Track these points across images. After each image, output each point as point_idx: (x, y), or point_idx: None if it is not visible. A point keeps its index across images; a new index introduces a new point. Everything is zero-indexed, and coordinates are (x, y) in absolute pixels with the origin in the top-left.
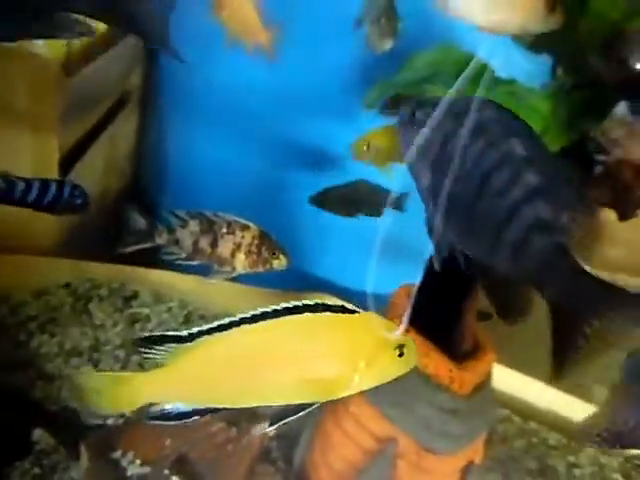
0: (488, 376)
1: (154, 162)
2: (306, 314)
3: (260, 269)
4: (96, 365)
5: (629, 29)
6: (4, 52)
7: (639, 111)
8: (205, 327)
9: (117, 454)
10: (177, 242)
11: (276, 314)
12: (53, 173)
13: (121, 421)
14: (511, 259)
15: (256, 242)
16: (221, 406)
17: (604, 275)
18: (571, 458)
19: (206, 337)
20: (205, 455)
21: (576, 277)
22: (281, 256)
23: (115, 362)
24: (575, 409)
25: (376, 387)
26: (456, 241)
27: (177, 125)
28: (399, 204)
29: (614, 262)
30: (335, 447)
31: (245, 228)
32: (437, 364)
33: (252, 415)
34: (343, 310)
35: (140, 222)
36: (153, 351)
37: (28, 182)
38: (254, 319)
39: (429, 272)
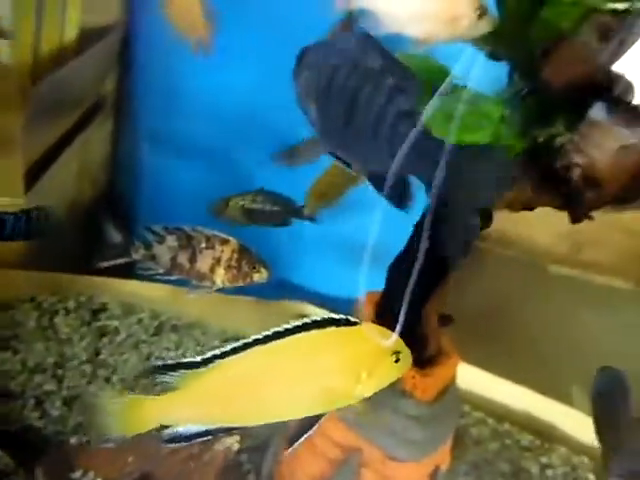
0: (452, 381)
1: (128, 169)
2: (314, 331)
3: (240, 283)
4: (60, 382)
5: (569, 37)
6: None
7: (615, 112)
8: (219, 351)
9: (77, 474)
10: (154, 258)
11: (287, 333)
12: (18, 187)
13: (84, 438)
14: (388, 152)
15: (236, 256)
16: (234, 425)
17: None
18: (544, 459)
19: (219, 361)
20: (168, 472)
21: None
22: (262, 269)
23: (81, 377)
24: (548, 410)
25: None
26: (343, 155)
27: (151, 132)
28: (304, 214)
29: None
30: (301, 458)
31: (224, 242)
32: None
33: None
34: (347, 322)
35: (116, 237)
36: (166, 377)
37: None
38: (266, 340)
39: (390, 279)
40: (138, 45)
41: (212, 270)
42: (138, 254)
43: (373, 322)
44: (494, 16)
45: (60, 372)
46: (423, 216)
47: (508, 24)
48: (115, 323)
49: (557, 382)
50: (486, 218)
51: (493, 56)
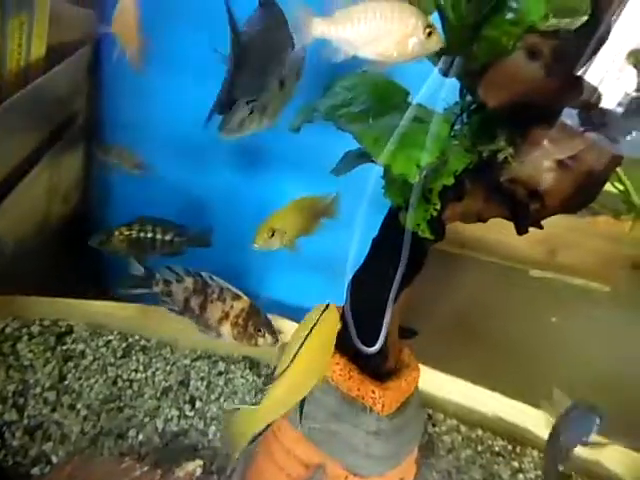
0: (413, 393)
1: (99, 187)
2: None
3: (245, 343)
4: (21, 411)
5: (501, 58)
6: None
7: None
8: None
9: None
10: (170, 294)
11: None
12: None
13: (46, 469)
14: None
15: (244, 315)
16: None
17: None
18: (515, 464)
19: None
20: None
21: None
22: (267, 335)
23: (44, 405)
24: (522, 414)
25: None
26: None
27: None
28: (202, 240)
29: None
30: (265, 476)
31: (236, 298)
32: (360, 386)
33: (178, 454)
34: None
35: (139, 269)
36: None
37: None
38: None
39: (350, 292)
40: (106, 61)
41: (219, 322)
42: (157, 287)
43: None
44: (442, 35)
45: (22, 401)
46: (380, 231)
47: (453, 42)
48: (81, 346)
49: (536, 385)
50: (438, 230)
51: (445, 74)
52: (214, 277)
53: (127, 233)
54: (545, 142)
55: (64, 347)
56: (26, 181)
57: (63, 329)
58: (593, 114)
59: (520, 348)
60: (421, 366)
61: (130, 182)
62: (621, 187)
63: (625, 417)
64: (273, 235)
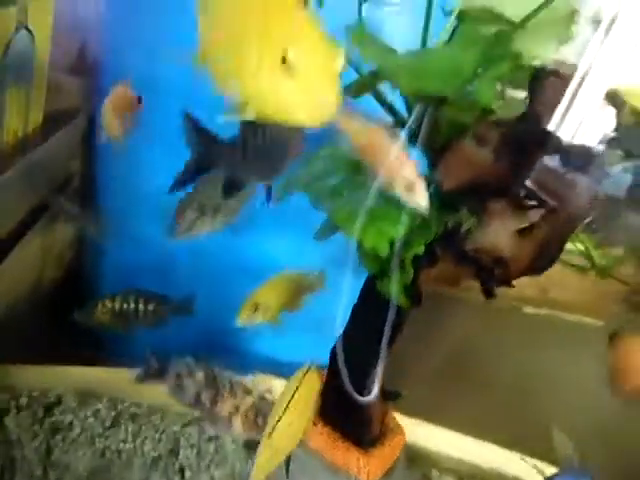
0: (398, 459)
1: (92, 249)
2: None
3: (255, 436)
4: None
5: (453, 143)
6: None
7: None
8: None
9: None
10: (182, 389)
11: None
12: None
13: None
14: None
15: (255, 409)
16: None
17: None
18: None
19: None
20: None
21: None
22: None
23: None
24: (518, 465)
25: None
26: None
27: (114, 211)
28: (185, 309)
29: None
30: None
31: (247, 391)
32: (344, 454)
33: None
34: None
35: (154, 363)
36: None
37: None
38: None
39: (333, 357)
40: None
41: (230, 417)
42: (169, 381)
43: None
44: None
45: (8, 477)
46: (359, 298)
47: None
48: (69, 417)
49: (535, 432)
50: (415, 297)
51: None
52: (224, 371)
53: (110, 306)
54: (502, 214)
55: (52, 419)
56: (20, 246)
57: (52, 399)
58: (573, 156)
59: (516, 393)
60: (412, 419)
61: (122, 245)
62: (581, 246)
63: (626, 469)
64: (257, 310)
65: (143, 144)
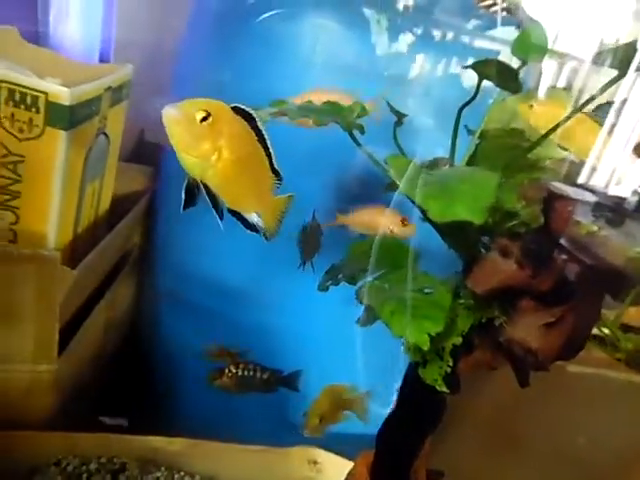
0: None
1: (149, 317)
2: None
3: None
4: None
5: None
6: (11, 255)
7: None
8: None
9: None
10: None
11: None
12: (52, 354)
13: None
14: None
15: None
16: None
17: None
18: None
19: None
20: None
21: None
22: None
23: None
24: None
25: None
26: None
27: (169, 291)
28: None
29: None
30: None
31: None
32: None
33: None
34: None
35: None
36: None
37: None
38: None
39: (380, 441)
40: (161, 209)
41: None
42: None
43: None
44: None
45: None
46: (403, 382)
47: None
48: None
49: None
50: (454, 384)
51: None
52: None
53: (234, 371)
54: (530, 311)
55: None
56: (88, 320)
57: (117, 466)
58: (607, 212)
59: (565, 460)
60: None
61: (177, 312)
62: (607, 331)
63: None
64: (322, 422)
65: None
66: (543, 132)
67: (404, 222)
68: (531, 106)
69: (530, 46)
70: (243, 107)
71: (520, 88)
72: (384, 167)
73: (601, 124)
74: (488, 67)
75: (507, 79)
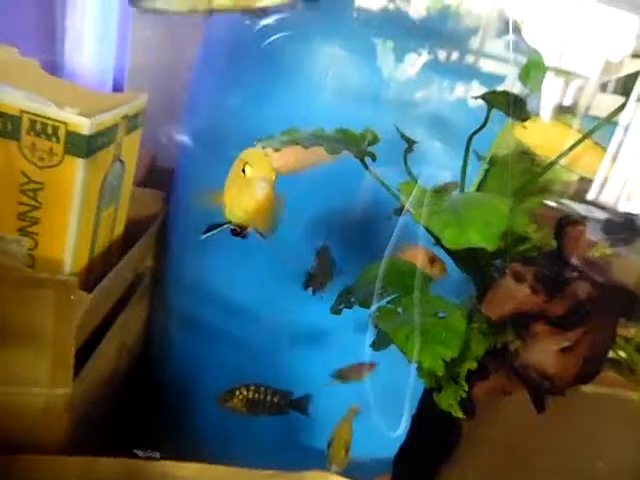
0: None
1: (161, 339)
2: None
3: None
4: None
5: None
6: (30, 280)
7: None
8: None
9: None
10: None
11: None
12: (68, 378)
13: None
14: None
15: None
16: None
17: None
18: None
19: None
20: None
21: None
22: None
23: None
24: None
25: None
26: None
27: (181, 314)
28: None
29: None
30: None
31: None
32: None
33: None
34: None
35: None
36: None
37: None
38: None
39: (396, 469)
40: (173, 233)
41: None
42: None
43: None
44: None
45: None
46: (418, 408)
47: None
48: None
49: None
50: (470, 409)
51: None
52: None
53: (245, 393)
54: (545, 336)
55: None
56: (102, 344)
57: None
58: (617, 227)
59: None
60: None
61: (190, 333)
62: (623, 354)
63: None
64: (347, 452)
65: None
66: (537, 149)
67: (432, 262)
68: (525, 127)
69: (538, 74)
70: None
71: (528, 116)
72: (395, 193)
73: (605, 149)
74: (498, 97)
75: (516, 108)
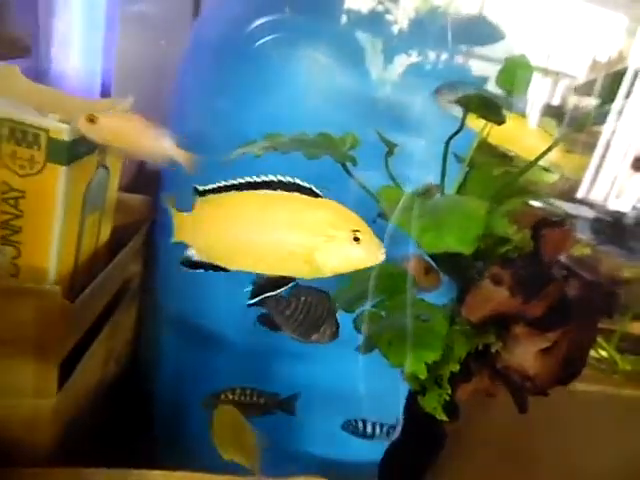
0: None
1: (151, 349)
2: (294, 193)
3: None
4: None
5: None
6: (13, 289)
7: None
8: (216, 186)
9: None
10: None
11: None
12: (52, 388)
13: None
14: None
15: None
16: (220, 265)
17: None
18: None
19: (214, 195)
20: None
21: None
22: None
23: None
24: None
25: None
26: None
27: (172, 318)
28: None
29: None
30: None
31: None
32: None
33: None
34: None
35: None
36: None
37: None
38: (257, 186)
39: (383, 466)
40: (160, 238)
41: None
42: None
43: None
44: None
45: None
46: (404, 410)
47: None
48: None
49: None
50: (453, 411)
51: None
52: None
53: (231, 397)
54: (525, 337)
55: None
56: (89, 353)
57: None
58: (606, 228)
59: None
60: None
61: (178, 338)
62: (604, 354)
63: None
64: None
65: None
66: (502, 147)
67: (427, 271)
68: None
69: (515, 77)
70: None
71: (504, 120)
72: (377, 197)
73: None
74: (472, 100)
75: (490, 112)
